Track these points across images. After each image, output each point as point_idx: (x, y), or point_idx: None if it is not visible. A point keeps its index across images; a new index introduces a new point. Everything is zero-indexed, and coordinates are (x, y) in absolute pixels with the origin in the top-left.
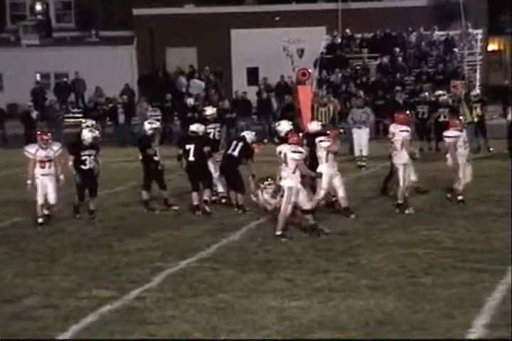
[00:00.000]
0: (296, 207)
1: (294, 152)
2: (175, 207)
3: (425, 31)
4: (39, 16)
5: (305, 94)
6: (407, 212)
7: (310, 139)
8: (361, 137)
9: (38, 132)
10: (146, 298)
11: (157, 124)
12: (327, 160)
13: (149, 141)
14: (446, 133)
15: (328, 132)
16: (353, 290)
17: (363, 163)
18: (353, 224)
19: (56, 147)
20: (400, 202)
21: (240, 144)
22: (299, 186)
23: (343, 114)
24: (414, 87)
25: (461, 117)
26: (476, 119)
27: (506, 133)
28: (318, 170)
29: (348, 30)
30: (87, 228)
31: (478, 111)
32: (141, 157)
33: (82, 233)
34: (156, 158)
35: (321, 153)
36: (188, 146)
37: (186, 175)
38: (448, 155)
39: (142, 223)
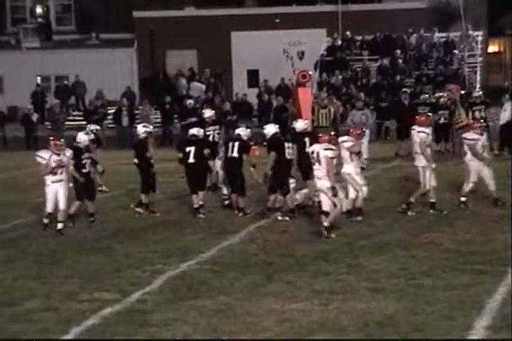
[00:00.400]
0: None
1: (326, 149)
2: (139, 210)
3: (425, 33)
4: (39, 19)
5: (305, 96)
6: (409, 213)
7: (298, 138)
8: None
9: (51, 138)
10: (147, 301)
11: (150, 128)
12: (352, 160)
13: (145, 145)
14: (465, 136)
15: (352, 131)
16: (353, 292)
17: (363, 165)
18: (354, 226)
19: (68, 153)
20: (412, 200)
21: (237, 144)
22: (337, 184)
23: (345, 116)
24: (414, 88)
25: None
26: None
27: (498, 134)
28: (344, 170)
29: (348, 33)
30: (88, 231)
31: (482, 113)
32: (137, 161)
33: (83, 236)
34: (151, 161)
35: (344, 153)
36: (188, 149)
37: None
38: (466, 158)
39: (142, 226)
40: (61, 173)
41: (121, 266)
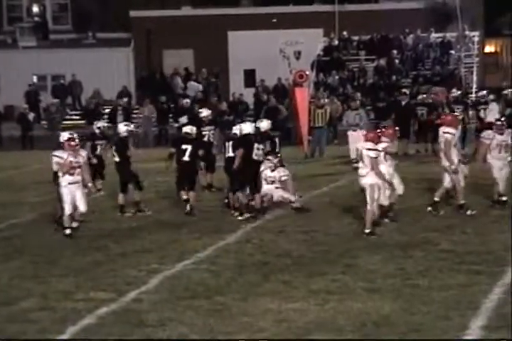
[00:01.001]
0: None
1: (369, 150)
2: (128, 214)
3: (422, 33)
4: (36, 18)
5: (302, 96)
6: (469, 212)
7: (270, 137)
8: (356, 139)
9: (66, 138)
10: (143, 300)
11: (132, 127)
12: (386, 160)
13: (126, 143)
14: (483, 135)
15: (384, 131)
16: (350, 292)
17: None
18: (351, 226)
19: (84, 153)
20: (437, 199)
21: (231, 143)
22: (379, 182)
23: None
24: (411, 89)
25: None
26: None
27: None
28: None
29: (345, 33)
30: (84, 230)
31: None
32: (118, 159)
33: (79, 235)
34: (130, 160)
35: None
36: (184, 146)
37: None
38: (488, 157)
39: (138, 225)
40: (77, 174)
41: (117, 265)
